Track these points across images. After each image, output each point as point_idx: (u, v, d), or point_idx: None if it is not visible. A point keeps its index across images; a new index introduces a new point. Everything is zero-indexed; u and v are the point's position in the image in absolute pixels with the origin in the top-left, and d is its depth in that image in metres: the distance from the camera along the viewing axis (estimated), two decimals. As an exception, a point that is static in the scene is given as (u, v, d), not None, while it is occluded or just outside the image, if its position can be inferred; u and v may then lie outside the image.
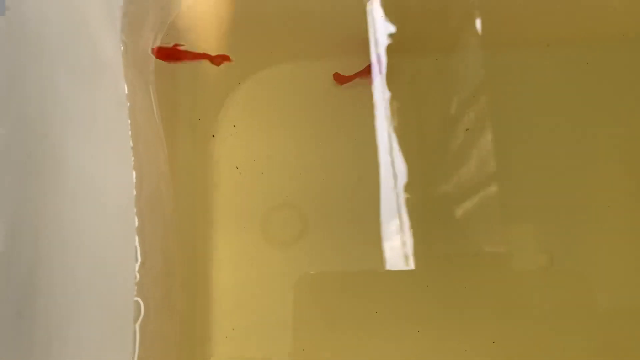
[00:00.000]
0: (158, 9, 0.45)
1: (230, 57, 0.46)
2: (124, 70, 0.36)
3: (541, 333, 0.43)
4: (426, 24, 0.48)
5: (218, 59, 0.46)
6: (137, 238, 0.36)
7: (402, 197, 0.45)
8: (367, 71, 0.45)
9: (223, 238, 0.45)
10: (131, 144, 0.35)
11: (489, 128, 0.45)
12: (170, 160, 0.44)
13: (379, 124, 0.46)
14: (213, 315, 0.43)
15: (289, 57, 0.48)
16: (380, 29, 0.48)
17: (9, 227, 0.24)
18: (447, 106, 0.46)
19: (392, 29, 0.48)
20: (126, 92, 0.36)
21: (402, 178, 0.46)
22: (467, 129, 0.45)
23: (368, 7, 0.47)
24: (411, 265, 0.44)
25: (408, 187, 0.45)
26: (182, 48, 0.46)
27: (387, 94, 0.47)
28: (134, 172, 0.36)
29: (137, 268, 0.37)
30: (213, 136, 0.46)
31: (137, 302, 0.36)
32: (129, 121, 0.36)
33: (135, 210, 0.36)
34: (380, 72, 0.45)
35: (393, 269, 0.44)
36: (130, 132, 0.36)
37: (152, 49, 0.44)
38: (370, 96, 0.46)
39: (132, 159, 0.35)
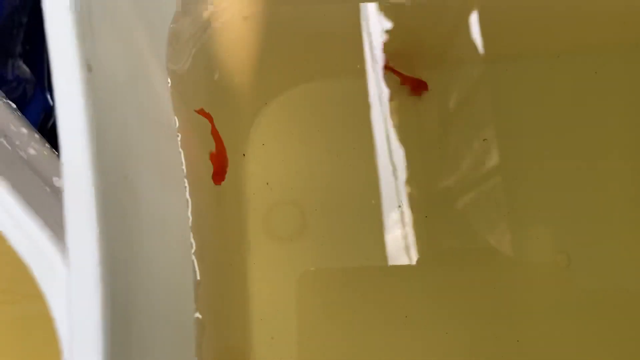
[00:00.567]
0: (191, 35, 0.47)
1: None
2: (173, 103, 0.39)
3: (558, 331, 0.45)
4: (437, 39, 0.50)
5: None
6: (194, 259, 0.39)
7: (405, 192, 0.48)
8: (413, 82, 0.48)
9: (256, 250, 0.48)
10: (185, 172, 0.38)
11: (504, 137, 0.48)
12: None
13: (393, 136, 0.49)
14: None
15: (311, 76, 0.50)
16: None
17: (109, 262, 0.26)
18: (461, 115, 0.49)
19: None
20: (177, 124, 0.39)
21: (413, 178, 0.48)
22: (485, 139, 0.48)
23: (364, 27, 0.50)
24: (418, 262, 0.47)
25: (413, 182, 0.48)
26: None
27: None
28: (189, 199, 0.39)
29: (194, 286, 0.39)
30: (244, 155, 0.49)
31: (197, 318, 0.39)
32: (181, 151, 0.39)
33: (191, 234, 0.39)
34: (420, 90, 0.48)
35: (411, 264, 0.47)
36: (184, 162, 0.38)
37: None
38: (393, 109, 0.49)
39: (187, 186, 0.38)
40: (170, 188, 0.37)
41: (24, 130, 0.38)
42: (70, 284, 0.23)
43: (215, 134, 0.44)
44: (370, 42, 0.50)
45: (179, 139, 0.39)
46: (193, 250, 0.39)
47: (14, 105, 0.41)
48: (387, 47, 0.49)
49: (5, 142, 0.36)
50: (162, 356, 0.34)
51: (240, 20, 0.47)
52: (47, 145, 0.39)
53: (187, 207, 0.39)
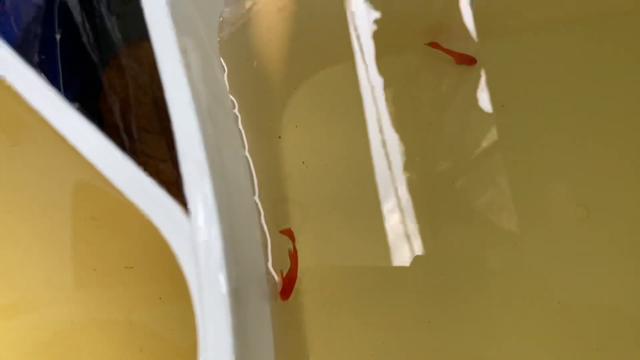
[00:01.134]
0: (234, 25, 0.51)
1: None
2: (229, 88, 0.44)
3: (584, 278, 0.48)
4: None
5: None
6: (264, 225, 0.45)
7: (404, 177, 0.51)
8: (463, 57, 0.51)
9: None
10: (247, 150, 0.43)
11: (522, 103, 0.51)
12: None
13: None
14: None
15: (336, 61, 0.54)
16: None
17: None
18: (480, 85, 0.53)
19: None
20: (236, 105, 0.44)
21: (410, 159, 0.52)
22: (503, 105, 0.52)
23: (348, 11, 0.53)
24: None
25: (410, 167, 0.52)
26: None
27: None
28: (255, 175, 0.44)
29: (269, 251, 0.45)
30: (279, 137, 0.52)
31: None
32: (241, 129, 0.44)
33: (259, 202, 0.44)
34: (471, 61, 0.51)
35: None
36: (246, 141, 0.43)
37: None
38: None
39: (251, 163, 0.43)
40: (240, 160, 0.42)
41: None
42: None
43: (293, 256, 0.46)
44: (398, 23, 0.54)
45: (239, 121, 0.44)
46: (262, 217, 0.45)
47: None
48: (427, 27, 0.53)
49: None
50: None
51: (275, 11, 0.52)
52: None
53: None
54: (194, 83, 0.31)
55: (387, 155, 0.52)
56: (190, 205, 0.28)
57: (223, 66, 0.45)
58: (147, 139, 0.48)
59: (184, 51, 0.30)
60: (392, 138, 0.52)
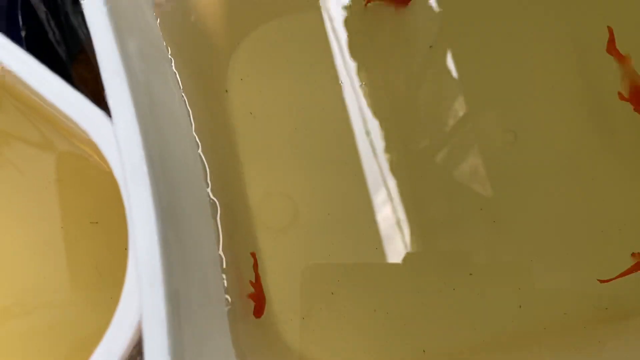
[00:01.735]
0: None
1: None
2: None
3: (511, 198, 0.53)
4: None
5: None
6: (202, 157, 0.48)
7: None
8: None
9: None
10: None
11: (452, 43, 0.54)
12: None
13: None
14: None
15: (282, 12, 0.55)
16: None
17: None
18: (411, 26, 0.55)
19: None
20: (169, 51, 0.47)
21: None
22: (430, 46, 0.55)
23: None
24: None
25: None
26: None
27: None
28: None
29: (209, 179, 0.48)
30: (226, 91, 0.54)
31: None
32: (176, 72, 0.47)
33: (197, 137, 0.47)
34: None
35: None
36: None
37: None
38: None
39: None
40: (172, 95, 0.45)
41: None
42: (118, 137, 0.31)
43: (257, 277, 0.49)
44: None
45: (172, 63, 0.47)
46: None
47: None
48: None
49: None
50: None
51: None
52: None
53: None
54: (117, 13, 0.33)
55: (335, 98, 0.55)
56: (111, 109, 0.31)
57: (155, 15, 0.48)
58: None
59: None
60: (336, 85, 0.55)
